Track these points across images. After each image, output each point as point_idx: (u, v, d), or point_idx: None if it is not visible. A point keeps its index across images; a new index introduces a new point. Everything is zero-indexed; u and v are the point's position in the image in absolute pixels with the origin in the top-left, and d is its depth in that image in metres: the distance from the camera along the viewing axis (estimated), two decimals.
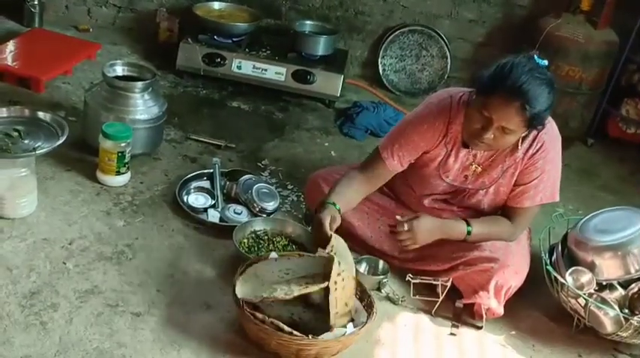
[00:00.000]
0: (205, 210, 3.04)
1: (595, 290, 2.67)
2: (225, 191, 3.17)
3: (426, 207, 2.86)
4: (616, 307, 2.62)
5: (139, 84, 3.21)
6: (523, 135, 2.59)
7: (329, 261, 2.37)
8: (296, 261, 2.57)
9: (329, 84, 4.15)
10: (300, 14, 4.53)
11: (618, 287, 2.70)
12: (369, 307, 2.50)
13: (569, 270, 2.71)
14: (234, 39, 4.22)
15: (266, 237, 2.91)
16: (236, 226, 2.87)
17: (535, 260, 2.85)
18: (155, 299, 2.53)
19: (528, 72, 2.42)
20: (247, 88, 4.20)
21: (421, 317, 2.72)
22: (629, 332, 2.60)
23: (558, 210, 3.28)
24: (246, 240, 2.86)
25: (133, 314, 2.44)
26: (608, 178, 4.09)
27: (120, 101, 3.18)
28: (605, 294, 2.66)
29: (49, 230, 2.76)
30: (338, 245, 2.50)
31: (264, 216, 3.05)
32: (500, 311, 2.70)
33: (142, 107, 3.21)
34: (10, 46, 3.98)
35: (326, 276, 2.34)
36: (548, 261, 2.75)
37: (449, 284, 2.68)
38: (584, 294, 2.63)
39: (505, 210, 2.79)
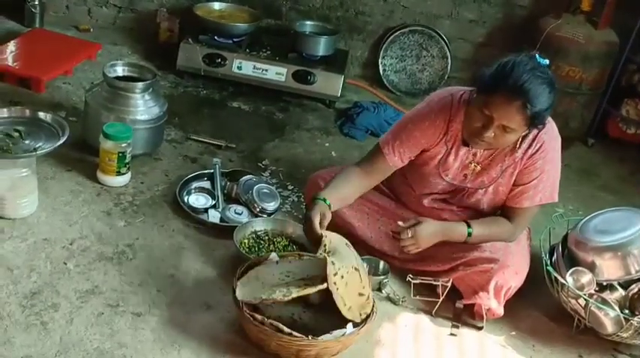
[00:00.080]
0: (206, 210, 3.04)
1: (595, 290, 2.68)
2: (225, 191, 3.17)
3: (426, 207, 2.86)
4: (616, 308, 2.62)
5: (140, 84, 3.21)
6: (523, 134, 2.59)
7: (323, 262, 2.36)
8: (296, 263, 2.56)
9: (329, 84, 4.15)
10: (301, 14, 4.53)
11: (618, 287, 2.70)
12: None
13: (570, 271, 2.71)
14: (235, 39, 4.22)
15: (266, 238, 2.92)
16: (236, 226, 2.87)
17: (535, 260, 2.85)
18: (155, 299, 2.53)
19: (530, 71, 2.42)
20: (248, 89, 4.20)
21: (421, 318, 2.72)
22: (630, 332, 2.60)
23: (558, 211, 3.28)
24: (246, 241, 2.87)
25: (134, 315, 2.45)
26: (609, 178, 4.09)
27: (120, 101, 3.18)
28: (606, 295, 2.66)
29: (50, 230, 2.76)
30: (332, 242, 2.47)
31: (265, 216, 3.05)
32: (501, 311, 2.70)
33: (143, 107, 3.22)
34: (11, 46, 3.98)
35: (324, 278, 2.34)
36: (548, 262, 2.75)
37: (449, 284, 2.68)
38: (585, 295, 2.63)
39: (504, 210, 2.79)
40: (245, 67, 4.14)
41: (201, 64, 4.13)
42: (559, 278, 2.68)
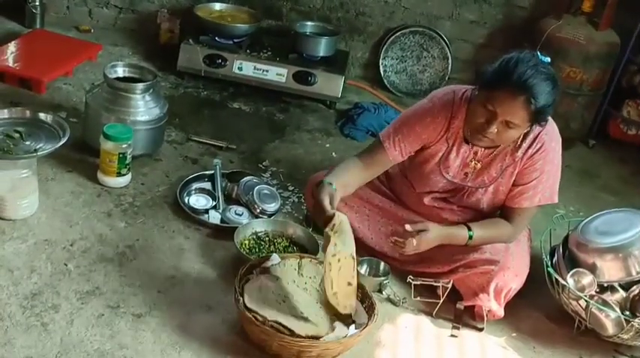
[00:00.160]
0: (206, 211, 3.04)
1: (596, 292, 2.67)
2: (226, 192, 3.17)
3: (426, 206, 2.86)
4: (617, 309, 2.62)
5: (140, 85, 3.21)
6: (525, 131, 2.59)
7: (326, 239, 2.36)
8: (295, 290, 2.56)
9: (330, 85, 4.15)
10: (301, 15, 4.53)
11: (619, 289, 2.69)
12: (370, 308, 2.50)
13: (571, 272, 2.71)
14: (235, 40, 4.22)
15: (267, 239, 2.91)
16: (237, 227, 2.87)
17: (536, 261, 2.85)
18: (156, 300, 2.53)
19: (533, 67, 2.44)
20: (248, 89, 4.20)
21: (422, 319, 2.72)
22: (631, 334, 2.60)
23: (559, 212, 3.28)
24: (247, 242, 2.86)
25: (134, 316, 2.44)
26: (610, 179, 4.09)
27: (121, 102, 3.18)
28: (607, 296, 2.66)
29: (50, 231, 2.76)
30: (341, 224, 2.43)
31: (265, 217, 3.05)
32: (501, 313, 2.70)
33: (143, 108, 3.22)
34: (12, 47, 3.98)
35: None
36: (549, 263, 2.75)
37: (449, 286, 2.68)
38: (585, 296, 2.63)
39: (504, 211, 2.79)
40: (245, 67, 4.14)
41: (201, 65, 4.13)
42: (560, 279, 2.68)
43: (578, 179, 3.99)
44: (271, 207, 3.09)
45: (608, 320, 2.63)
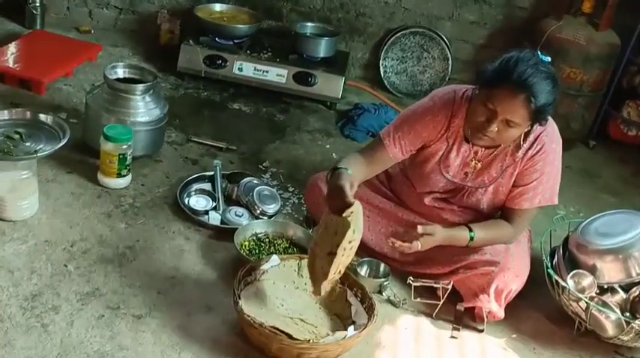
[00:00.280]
0: (206, 212, 3.04)
1: (596, 293, 2.67)
2: (226, 193, 3.17)
3: (427, 206, 2.86)
4: (617, 310, 2.62)
5: (140, 86, 3.21)
6: (526, 130, 2.60)
7: (344, 225, 2.29)
8: (293, 293, 2.58)
9: (330, 86, 4.15)
10: (301, 16, 4.53)
11: (619, 290, 2.69)
12: (369, 310, 2.50)
13: (571, 273, 2.71)
14: (236, 41, 4.22)
15: (267, 240, 2.91)
16: (237, 229, 2.87)
17: (536, 263, 2.85)
18: (156, 301, 2.53)
19: (533, 66, 2.44)
20: (248, 90, 4.20)
21: (422, 320, 2.72)
22: (631, 335, 2.60)
23: (559, 213, 3.28)
24: (247, 243, 2.86)
25: (134, 317, 2.44)
26: (610, 180, 4.09)
27: (121, 103, 3.18)
28: (607, 298, 2.66)
29: (51, 232, 2.76)
30: (357, 211, 2.38)
31: (266, 218, 3.05)
32: (501, 314, 2.70)
33: (143, 109, 3.22)
34: (12, 47, 3.98)
35: (336, 239, 2.29)
36: (549, 264, 2.75)
37: (450, 287, 2.68)
38: (586, 298, 2.62)
39: (504, 212, 2.79)
40: (246, 68, 4.14)
41: (201, 66, 4.13)
42: (560, 280, 2.68)
43: (578, 180, 3.99)
44: (271, 208, 3.09)
45: (609, 321, 2.62)
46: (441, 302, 2.69)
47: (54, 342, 2.28)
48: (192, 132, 3.66)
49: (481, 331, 2.70)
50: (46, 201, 2.91)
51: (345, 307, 2.57)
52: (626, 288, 2.69)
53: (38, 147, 2.83)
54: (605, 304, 2.63)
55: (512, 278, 2.67)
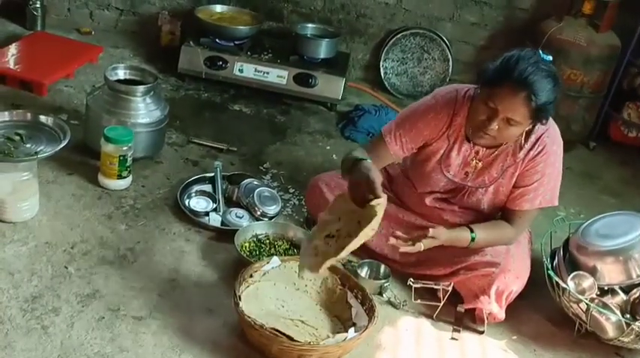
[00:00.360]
0: (207, 213, 3.04)
1: (597, 295, 2.67)
2: (226, 195, 3.17)
3: (428, 206, 2.86)
4: (618, 312, 2.62)
5: (141, 88, 3.21)
6: (527, 129, 2.60)
7: (370, 214, 2.27)
8: (293, 294, 2.58)
9: (331, 87, 4.15)
10: (302, 17, 4.53)
11: (620, 292, 2.69)
12: (370, 311, 2.50)
13: (571, 275, 2.71)
14: (236, 42, 4.22)
15: (267, 241, 2.92)
16: (237, 230, 2.87)
17: (537, 264, 2.85)
18: (157, 303, 2.53)
19: (534, 64, 2.45)
20: (249, 91, 4.20)
21: (422, 322, 2.72)
22: (631, 337, 2.60)
23: (560, 214, 3.28)
24: (247, 244, 2.87)
25: (135, 319, 2.44)
26: (611, 181, 4.09)
27: (122, 105, 3.19)
28: (607, 299, 2.66)
29: (51, 234, 2.76)
30: (382, 204, 2.33)
31: (266, 219, 3.05)
32: (502, 315, 2.70)
33: (144, 111, 3.22)
34: (13, 49, 3.99)
35: (361, 223, 2.28)
36: (549, 266, 2.75)
37: (450, 288, 2.68)
38: (586, 299, 2.62)
39: (504, 213, 2.79)
40: (246, 69, 4.14)
41: (202, 67, 4.13)
42: (560, 282, 2.68)
43: (579, 181, 3.99)
44: (272, 209, 3.09)
45: (609, 323, 2.62)
46: (442, 304, 2.69)
47: (54, 344, 2.28)
48: (193, 134, 3.66)
49: (481, 332, 2.70)
50: (47, 202, 2.91)
51: (345, 309, 2.57)
52: (627, 290, 2.69)
53: (39, 149, 2.83)
54: (605, 306, 2.63)
55: (513, 279, 2.67)
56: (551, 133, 2.68)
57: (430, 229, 2.61)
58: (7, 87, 3.73)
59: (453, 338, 2.66)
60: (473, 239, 2.68)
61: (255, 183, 3.20)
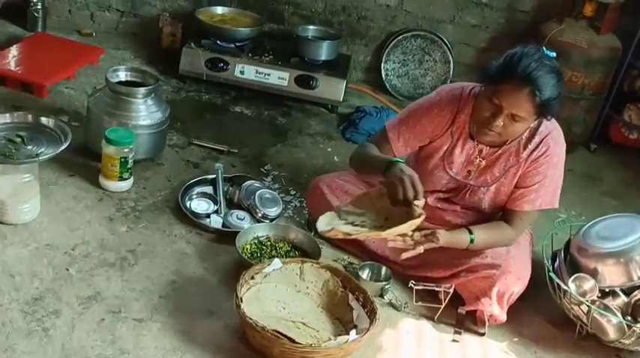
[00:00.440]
0: (208, 215, 3.04)
1: (598, 297, 2.67)
2: (227, 197, 3.17)
3: (429, 207, 2.85)
4: (619, 314, 2.62)
5: (142, 90, 3.21)
6: (532, 126, 2.61)
7: (411, 211, 2.41)
8: (295, 296, 2.59)
9: (332, 89, 4.15)
10: (303, 19, 4.53)
11: (621, 294, 2.69)
12: (371, 313, 2.50)
13: (572, 277, 2.71)
14: (237, 44, 4.22)
15: (269, 243, 2.91)
16: (239, 232, 2.87)
17: (538, 266, 2.85)
18: (158, 305, 2.53)
19: (538, 60, 2.47)
20: (250, 93, 4.20)
21: (423, 324, 2.71)
22: (632, 339, 2.60)
23: (561, 216, 3.28)
24: (248, 246, 2.86)
25: (136, 321, 2.44)
26: (612, 183, 4.09)
27: (123, 106, 3.19)
28: (608, 301, 2.66)
29: (52, 236, 2.76)
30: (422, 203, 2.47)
31: (267, 221, 3.05)
32: (503, 317, 2.70)
33: (145, 112, 3.22)
34: (13, 50, 3.99)
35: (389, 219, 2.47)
36: (550, 268, 2.75)
37: (451, 290, 2.68)
38: (587, 301, 2.62)
39: (505, 213, 2.79)
40: (247, 71, 4.14)
41: (203, 69, 4.13)
42: (561, 284, 2.68)
43: (580, 183, 3.99)
44: (273, 211, 3.08)
45: (610, 325, 2.62)
46: (443, 306, 2.69)
47: (55, 346, 2.28)
48: (194, 136, 3.66)
49: (482, 334, 2.70)
50: (48, 204, 2.91)
51: (346, 311, 2.57)
52: (628, 292, 2.69)
53: (40, 151, 2.83)
54: (606, 308, 2.63)
55: (514, 280, 2.67)
56: (554, 135, 2.68)
57: (438, 232, 2.61)
58: (8, 88, 3.73)
59: (454, 340, 2.66)
60: (472, 240, 2.68)
61: (257, 185, 3.20)
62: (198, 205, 3.09)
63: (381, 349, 2.54)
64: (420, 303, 2.74)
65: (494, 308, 2.67)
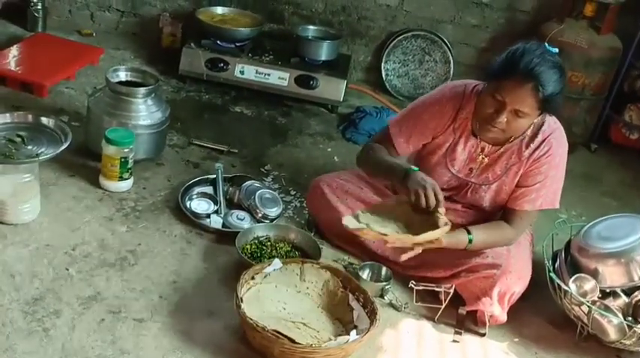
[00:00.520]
0: (208, 215, 3.04)
1: (598, 297, 2.66)
2: (227, 197, 3.17)
3: None
4: (619, 315, 2.61)
5: (142, 90, 3.21)
6: (536, 121, 2.61)
7: (435, 219, 2.49)
8: (295, 296, 2.60)
9: (332, 89, 4.15)
10: (303, 19, 4.53)
11: (622, 294, 2.69)
12: (371, 314, 2.50)
13: (573, 277, 2.70)
14: (237, 44, 4.22)
15: (269, 243, 2.91)
16: (239, 232, 2.87)
17: (538, 266, 2.84)
18: (158, 305, 2.53)
19: (540, 55, 2.48)
20: (250, 93, 4.20)
21: (424, 324, 2.71)
22: (633, 340, 2.60)
23: (561, 217, 3.28)
24: (249, 246, 2.86)
25: (136, 321, 2.44)
26: (612, 184, 4.09)
27: (123, 107, 3.19)
28: (609, 302, 2.66)
29: (52, 236, 2.76)
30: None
31: (267, 222, 3.04)
32: (504, 317, 2.70)
33: (145, 112, 3.22)
34: (14, 50, 3.99)
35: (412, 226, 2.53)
36: (551, 268, 2.75)
37: (452, 291, 2.68)
38: (588, 302, 2.62)
39: (505, 213, 2.79)
40: (247, 71, 4.14)
41: (203, 69, 4.13)
42: (562, 284, 2.68)
43: (580, 183, 3.98)
44: (273, 211, 3.08)
45: (611, 325, 2.62)
46: (443, 306, 2.69)
47: (55, 347, 2.28)
48: (194, 136, 3.66)
49: (483, 335, 2.70)
50: (48, 204, 2.91)
51: (347, 311, 2.57)
52: (629, 292, 2.69)
53: (40, 151, 2.83)
54: (607, 308, 2.62)
55: (515, 280, 2.67)
56: (557, 135, 2.69)
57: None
58: (8, 88, 3.73)
59: (454, 341, 2.66)
60: (470, 241, 2.68)
61: (257, 185, 3.20)
62: (199, 205, 3.09)
63: (382, 349, 2.54)
64: (420, 304, 2.74)
65: (495, 309, 2.67)
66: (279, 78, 4.14)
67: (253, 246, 2.87)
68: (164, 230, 2.92)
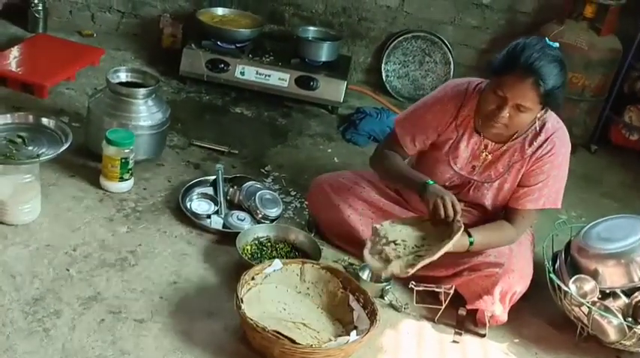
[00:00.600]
0: (208, 216, 3.04)
1: (598, 298, 2.66)
2: (228, 197, 3.17)
3: None
4: (619, 315, 2.61)
5: (143, 90, 3.21)
6: (539, 116, 2.61)
7: (454, 229, 2.53)
8: (295, 297, 2.60)
9: (332, 90, 4.15)
10: (304, 20, 4.53)
11: (622, 295, 2.69)
12: (371, 314, 2.50)
13: (573, 278, 2.70)
14: (238, 45, 4.22)
15: (269, 244, 2.91)
16: (239, 233, 2.87)
17: (538, 267, 2.84)
18: (158, 306, 2.53)
19: (540, 50, 2.49)
20: (250, 94, 4.20)
21: (424, 325, 2.71)
22: (633, 340, 2.60)
23: (562, 217, 3.28)
24: (249, 247, 2.86)
25: (136, 321, 2.44)
26: (612, 185, 4.09)
27: (123, 107, 3.19)
28: (609, 302, 2.66)
29: (52, 236, 2.76)
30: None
31: (268, 222, 3.05)
32: (504, 318, 2.70)
33: (146, 113, 3.22)
34: (14, 51, 3.99)
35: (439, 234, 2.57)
36: (551, 269, 2.75)
37: (452, 291, 2.68)
38: (588, 302, 2.62)
39: (507, 212, 2.80)
40: (248, 72, 4.14)
41: (204, 70, 4.13)
42: (562, 285, 2.68)
43: (580, 184, 3.98)
44: (273, 212, 3.08)
45: (611, 326, 2.62)
46: (443, 307, 2.69)
47: (55, 347, 2.28)
48: (194, 136, 3.66)
49: (483, 336, 2.70)
50: (48, 205, 2.91)
51: (347, 312, 2.57)
52: (629, 293, 2.69)
53: (40, 151, 2.83)
54: (607, 309, 2.62)
55: (517, 279, 2.67)
56: (560, 135, 2.69)
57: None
58: (9, 89, 3.73)
59: (454, 341, 2.66)
60: (471, 243, 2.68)
61: (257, 185, 3.20)
62: (199, 206, 3.09)
63: (382, 350, 2.54)
64: (420, 304, 2.74)
65: (496, 308, 2.67)
66: (279, 79, 4.14)
67: (253, 247, 2.87)
68: (164, 230, 2.92)
